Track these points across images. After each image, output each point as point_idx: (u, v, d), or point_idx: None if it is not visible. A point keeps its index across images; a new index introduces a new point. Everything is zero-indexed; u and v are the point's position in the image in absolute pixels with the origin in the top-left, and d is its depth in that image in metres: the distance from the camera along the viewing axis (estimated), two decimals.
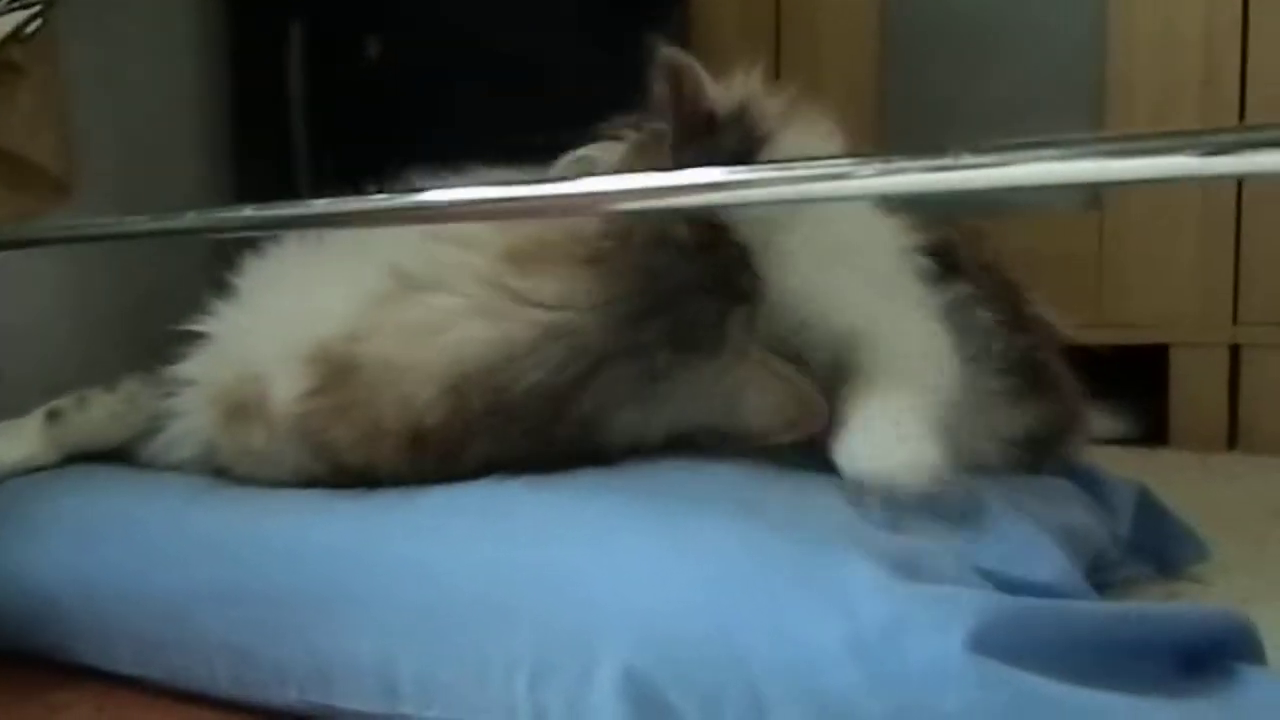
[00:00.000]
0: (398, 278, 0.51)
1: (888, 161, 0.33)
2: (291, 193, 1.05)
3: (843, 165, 0.34)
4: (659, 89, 0.60)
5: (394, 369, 0.48)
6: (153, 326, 0.58)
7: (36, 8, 0.84)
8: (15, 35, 0.85)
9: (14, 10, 0.82)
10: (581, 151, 0.54)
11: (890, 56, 1.32)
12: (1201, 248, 1.18)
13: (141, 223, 0.56)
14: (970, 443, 0.60)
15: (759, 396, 0.52)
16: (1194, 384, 1.18)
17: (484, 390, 0.48)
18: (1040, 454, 0.64)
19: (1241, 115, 1.17)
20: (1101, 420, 0.89)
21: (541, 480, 0.48)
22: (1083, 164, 0.31)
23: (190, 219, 0.52)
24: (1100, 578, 0.59)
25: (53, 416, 0.60)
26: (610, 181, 0.39)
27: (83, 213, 0.95)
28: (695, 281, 0.50)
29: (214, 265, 0.63)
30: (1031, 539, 0.49)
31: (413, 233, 0.53)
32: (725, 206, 0.49)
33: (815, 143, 0.60)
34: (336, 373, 0.49)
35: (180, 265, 1.02)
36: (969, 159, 0.32)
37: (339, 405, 0.48)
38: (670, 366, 0.49)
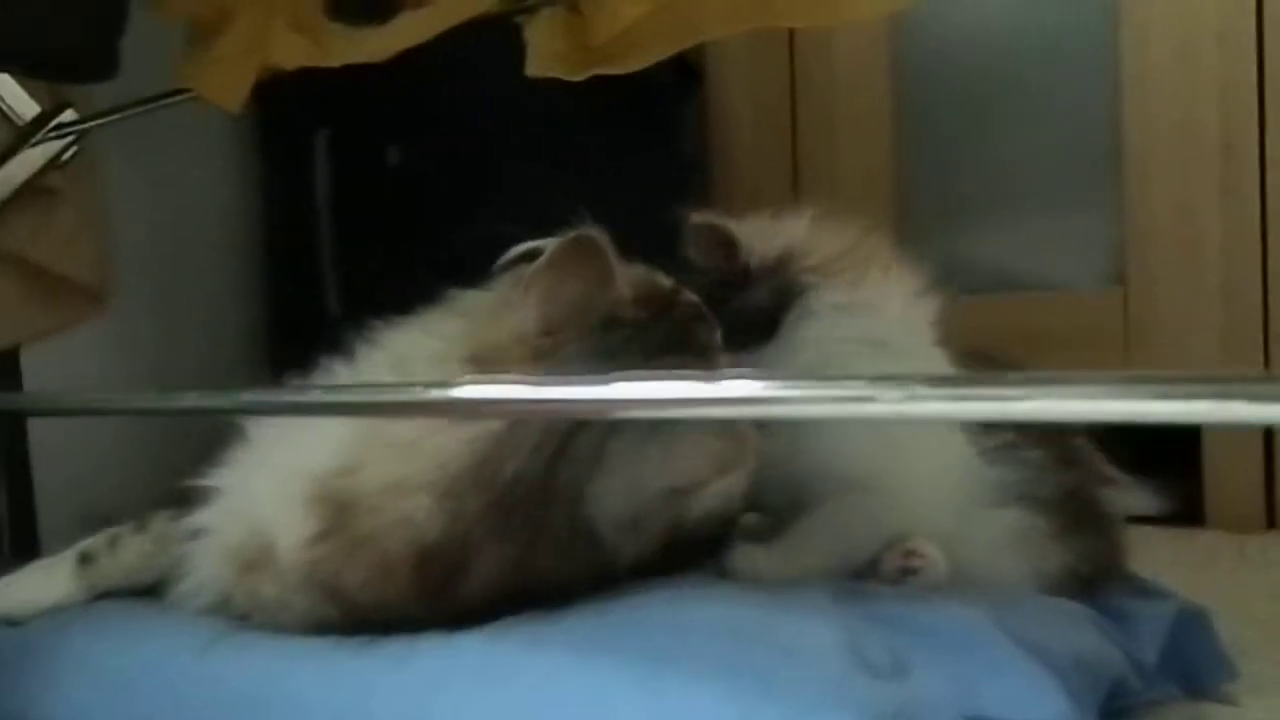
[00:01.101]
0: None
1: (910, 388, 0.33)
2: (318, 292, 1.08)
3: (867, 388, 0.34)
4: (693, 252, 0.64)
5: (389, 490, 0.49)
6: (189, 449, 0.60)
7: (72, 135, 0.88)
8: (53, 162, 0.88)
9: (51, 139, 0.86)
10: (529, 245, 0.56)
11: (906, 140, 1.33)
12: (1229, 322, 1.17)
13: (178, 400, 0.58)
14: (1003, 575, 0.61)
15: (692, 444, 0.53)
16: (1227, 462, 1.16)
17: (475, 488, 0.49)
18: (1082, 588, 0.64)
19: (1262, 174, 1.16)
20: (1135, 496, 0.88)
21: (539, 633, 0.49)
22: (1109, 404, 0.30)
23: (225, 399, 0.54)
24: (1120, 703, 0.58)
25: (85, 559, 0.62)
26: (617, 389, 0.39)
27: (119, 315, 0.99)
28: (648, 349, 0.52)
29: None
30: (1034, 678, 0.49)
31: (384, 363, 0.55)
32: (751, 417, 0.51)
33: (857, 296, 0.61)
34: (338, 512, 0.50)
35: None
36: (996, 389, 0.32)
37: (345, 545, 0.49)
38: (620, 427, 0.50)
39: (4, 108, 0.86)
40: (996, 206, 1.28)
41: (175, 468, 0.67)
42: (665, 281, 0.57)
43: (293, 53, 0.65)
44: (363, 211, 1.05)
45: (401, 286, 1.08)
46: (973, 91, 1.30)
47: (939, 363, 0.64)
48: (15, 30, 0.71)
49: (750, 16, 0.58)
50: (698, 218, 0.63)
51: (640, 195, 1.08)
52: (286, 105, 1.00)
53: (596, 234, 0.52)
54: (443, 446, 0.50)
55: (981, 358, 0.66)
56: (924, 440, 0.61)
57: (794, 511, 0.62)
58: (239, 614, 0.54)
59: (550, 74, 0.62)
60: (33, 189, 0.90)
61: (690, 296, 0.57)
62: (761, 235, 0.64)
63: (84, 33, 0.67)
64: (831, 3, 0.57)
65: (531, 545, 0.49)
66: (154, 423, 1.05)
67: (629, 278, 0.54)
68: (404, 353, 0.55)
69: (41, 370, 0.96)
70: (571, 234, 0.52)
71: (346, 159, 1.03)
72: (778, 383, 0.36)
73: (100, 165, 0.96)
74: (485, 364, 0.51)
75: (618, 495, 0.52)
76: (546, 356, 0.51)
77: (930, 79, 1.32)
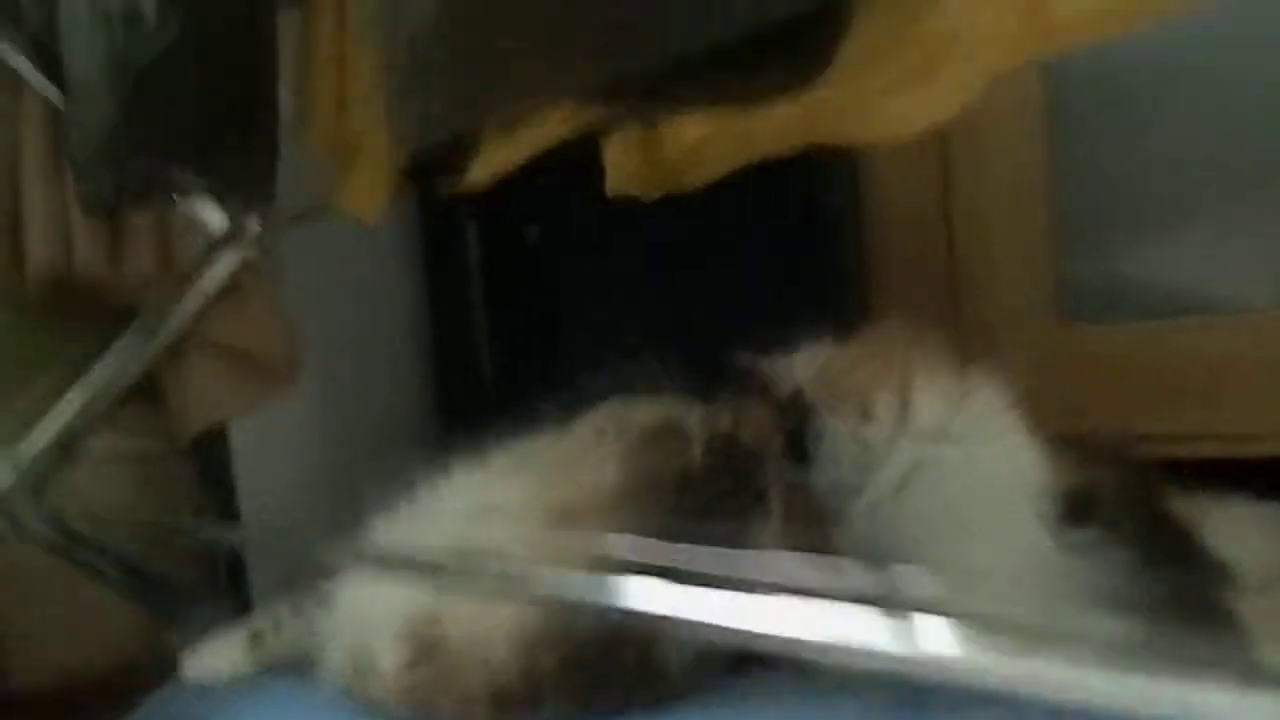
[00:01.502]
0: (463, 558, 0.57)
1: None
2: (475, 361, 1.18)
3: None
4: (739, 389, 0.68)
5: (473, 640, 0.55)
6: None
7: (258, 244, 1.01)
8: (242, 266, 1.02)
9: (231, 248, 0.99)
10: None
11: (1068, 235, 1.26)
12: None
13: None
14: None
15: None
16: None
17: (550, 647, 0.53)
18: None
19: None
20: None
21: None
22: None
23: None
24: None
25: (255, 639, 0.73)
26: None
27: (300, 397, 1.12)
28: (712, 498, 0.54)
29: None
30: None
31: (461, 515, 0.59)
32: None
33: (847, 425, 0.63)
34: (426, 648, 0.56)
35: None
36: None
37: (433, 677, 0.56)
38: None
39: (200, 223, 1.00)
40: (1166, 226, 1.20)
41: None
42: (725, 423, 0.60)
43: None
44: (509, 286, 1.15)
45: (547, 350, 1.16)
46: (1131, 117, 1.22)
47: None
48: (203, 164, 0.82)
49: (800, 134, 0.60)
50: (740, 356, 0.66)
51: (788, 291, 1.12)
52: (441, 202, 1.11)
53: (682, 407, 0.55)
54: (520, 608, 0.55)
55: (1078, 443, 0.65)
56: (991, 526, 0.61)
57: None
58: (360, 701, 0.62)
59: (627, 192, 0.67)
60: (226, 286, 1.04)
61: (747, 436, 0.60)
62: (789, 369, 0.66)
63: (249, 166, 0.78)
64: (880, 120, 0.58)
65: (601, 690, 0.53)
66: (351, 459, 1.18)
67: (700, 429, 0.57)
68: (486, 500, 0.60)
69: (247, 440, 1.11)
70: (661, 410, 0.55)
71: (493, 242, 1.13)
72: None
73: (282, 264, 1.10)
74: (564, 521, 0.56)
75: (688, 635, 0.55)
76: (624, 516, 0.54)
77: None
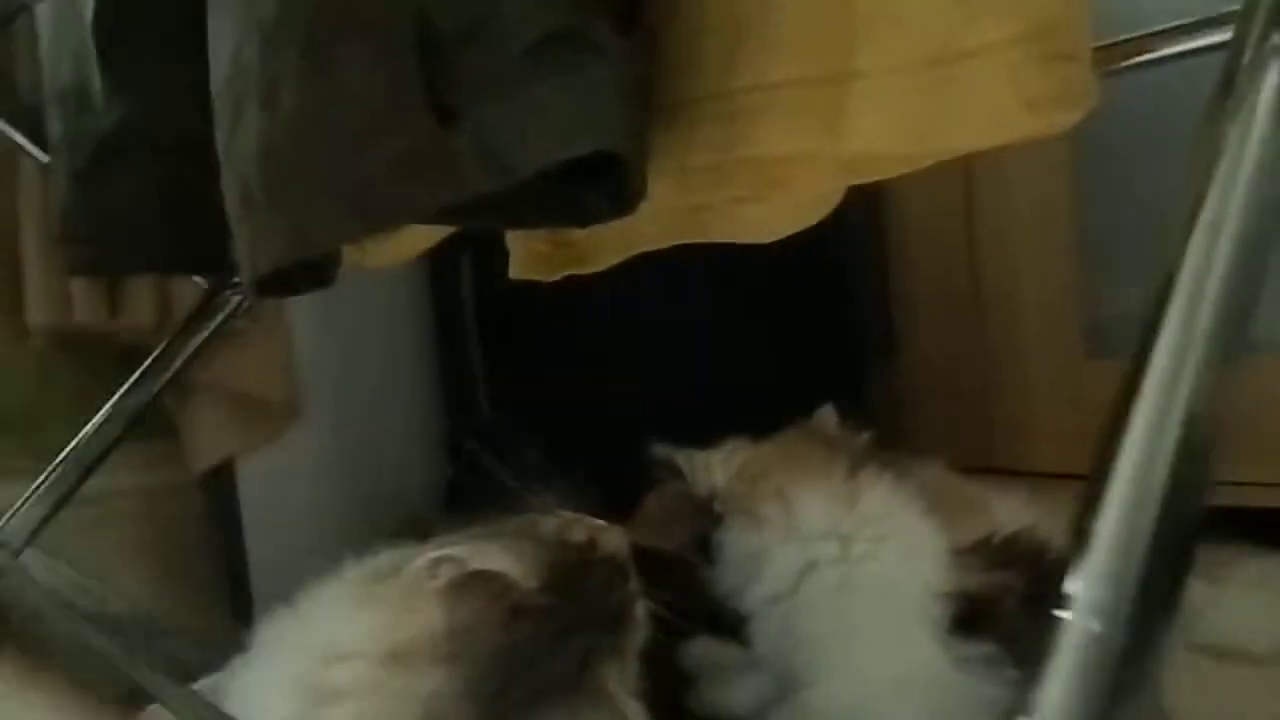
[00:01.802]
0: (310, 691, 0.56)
1: None
2: (473, 400, 1.19)
3: None
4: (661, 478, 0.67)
5: None
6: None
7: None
8: (236, 312, 1.05)
9: (226, 296, 1.03)
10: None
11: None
12: None
13: None
14: None
15: None
16: None
17: None
18: None
19: None
20: None
21: None
22: None
23: None
24: None
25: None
26: None
27: (308, 426, 1.16)
28: (560, 630, 0.53)
29: None
30: None
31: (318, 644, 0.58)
32: None
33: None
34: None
35: None
36: None
37: None
38: None
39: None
40: None
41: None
42: (579, 537, 0.59)
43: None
44: (504, 321, 1.16)
45: (539, 389, 1.16)
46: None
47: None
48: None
49: (677, 233, 0.59)
50: (658, 450, 0.66)
51: (806, 324, 1.09)
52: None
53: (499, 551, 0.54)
54: None
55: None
56: (880, 633, 0.59)
57: (757, 705, 0.63)
58: None
59: (529, 276, 0.66)
60: (225, 332, 1.08)
61: (609, 545, 0.59)
62: (707, 468, 0.66)
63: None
64: (744, 225, 0.56)
65: None
66: (355, 493, 1.22)
67: (537, 557, 0.56)
68: (327, 638, 0.58)
69: (252, 476, 1.15)
70: (469, 563, 0.55)
71: (485, 275, 1.14)
72: None
73: (284, 307, 1.13)
74: (400, 665, 0.54)
75: None
76: (455, 659, 0.53)
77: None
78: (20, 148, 0.94)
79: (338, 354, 1.24)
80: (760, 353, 1.14)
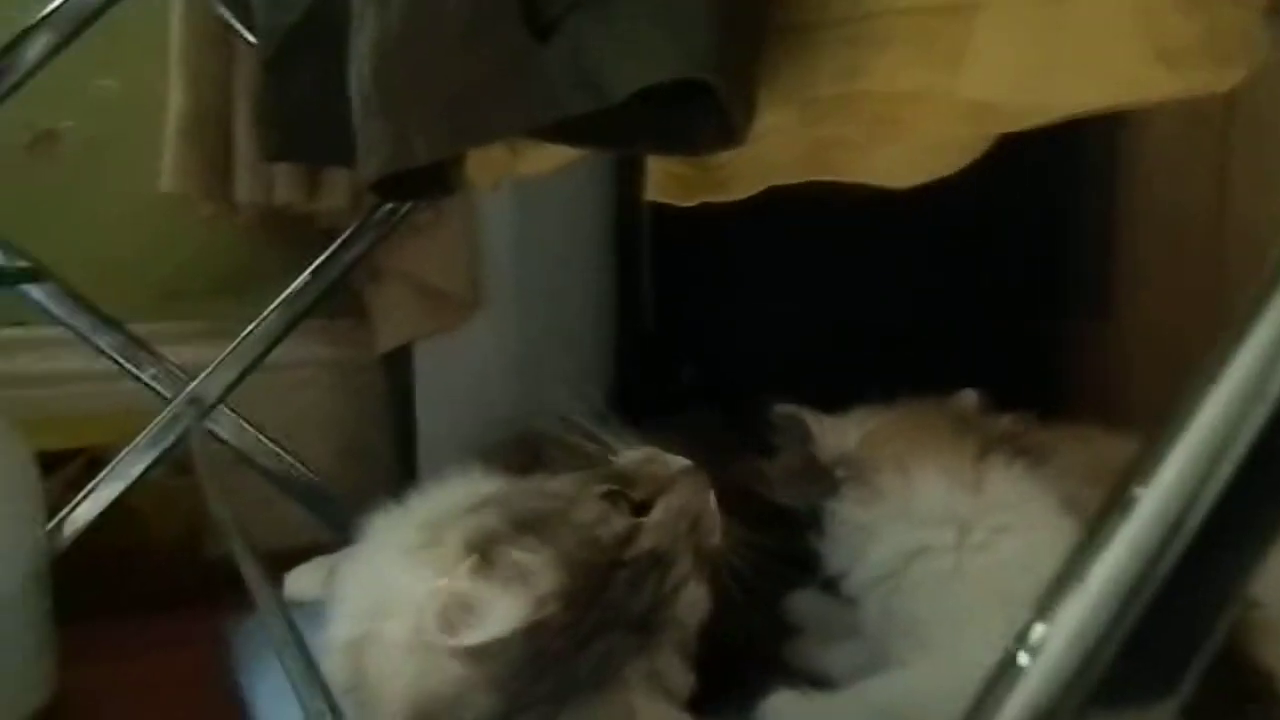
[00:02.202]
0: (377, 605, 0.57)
1: None
2: (641, 315, 1.18)
3: None
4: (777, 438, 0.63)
5: (379, 687, 0.56)
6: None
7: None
8: (418, 205, 1.08)
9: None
10: None
11: None
12: None
13: None
14: None
15: None
16: None
17: None
18: None
19: None
20: None
21: None
22: None
23: None
24: None
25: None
26: None
27: (485, 322, 1.19)
28: (576, 640, 0.52)
29: None
30: None
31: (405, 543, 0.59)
32: None
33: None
34: (356, 672, 0.58)
35: None
36: None
37: (361, 703, 0.58)
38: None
39: None
40: None
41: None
42: (610, 536, 0.56)
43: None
44: (677, 240, 1.13)
45: (709, 314, 1.14)
46: None
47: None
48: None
49: (806, 170, 0.53)
50: (782, 408, 0.62)
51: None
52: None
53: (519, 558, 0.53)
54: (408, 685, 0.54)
55: None
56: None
57: (852, 671, 0.59)
58: None
59: (665, 198, 0.63)
60: (415, 222, 1.11)
61: (644, 544, 0.56)
62: (836, 433, 0.61)
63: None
64: (875, 168, 0.50)
65: None
66: (520, 387, 1.25)
67: (567, 558, 0.54)
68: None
69: (428, 359, 1.20)
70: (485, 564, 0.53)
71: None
72: None
73: (472, 200, 1.15)
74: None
75: None
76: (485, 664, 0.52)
77: None
78: (236, 31, 1.00)
79: (519, 252, 1.25)
80: (949, 307, 1.06)
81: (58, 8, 0.92)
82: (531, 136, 0.51)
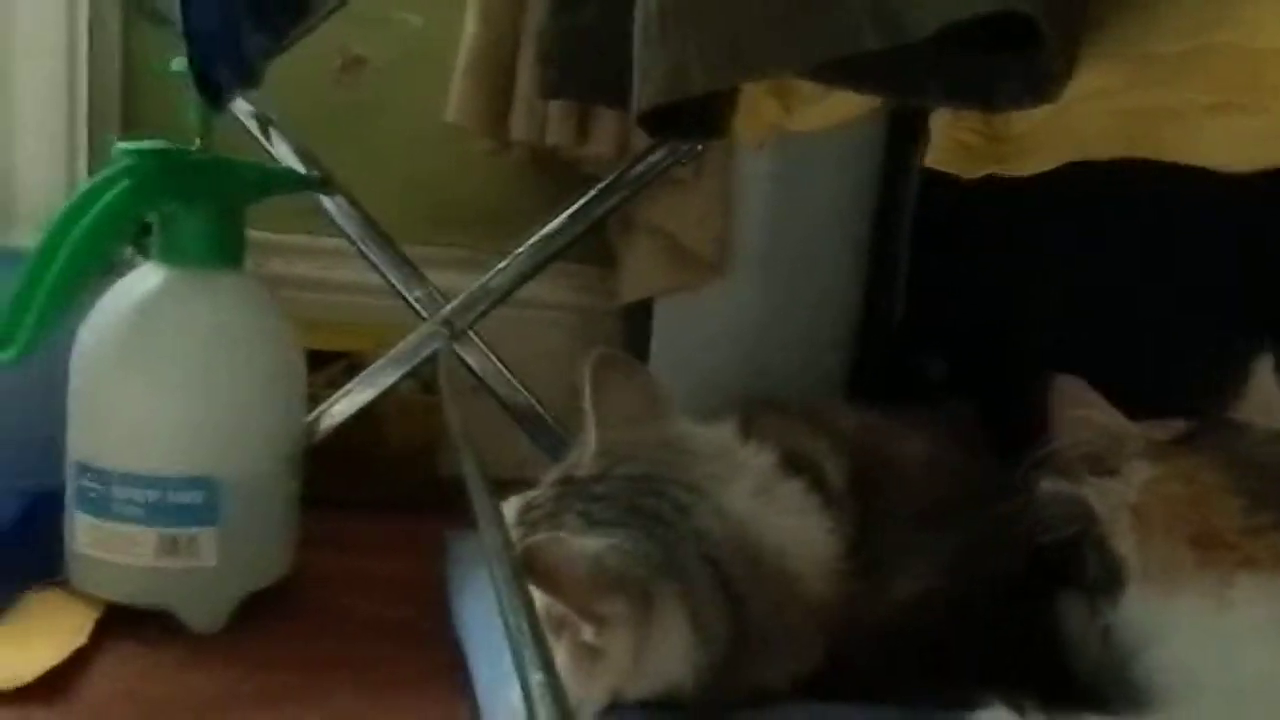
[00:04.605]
0: None
1: None
2: (890, 298, 1.13)
3: None
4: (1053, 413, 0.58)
5: None
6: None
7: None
8: (678, 160, 1.08)
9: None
10: None
11: None
12: None
13: None
14: None
15: None
16: None
17: None
18: None
19: None
20: None
21: None
22: None
23: None
24: None
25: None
26: None
27: (729, 288, 1.18)
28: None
29: None
30: None
31: None
32: None
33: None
34: None
35: None
36: None
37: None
38: None
39: None
40: None
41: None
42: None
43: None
44: (938, 229, 1.07)
45: (959, 308, 1.08)
46: None
47: None
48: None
49: (1123, 144, 0.47)
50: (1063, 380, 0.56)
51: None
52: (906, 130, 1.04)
53: None
54: None
55: None
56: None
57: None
58: None
59: (947, 167, 0.59)
60: (668, 177, 1.11)
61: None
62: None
63: None
64: (1207, 144, 0.43)
65: None
66: (757, 355, 1.23)
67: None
68: None
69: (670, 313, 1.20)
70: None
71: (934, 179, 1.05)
72: None
73: (732, 162, 1.14)
74: None
75: None
76: None
77: None
78: None
79: (774, 221, 1.22)
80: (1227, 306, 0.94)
81: None
82: (815, 78, 0.49)
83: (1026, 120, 0.54)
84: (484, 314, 1.05)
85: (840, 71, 0.44)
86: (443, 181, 1.24)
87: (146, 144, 0.80)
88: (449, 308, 1.03)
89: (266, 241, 1.15)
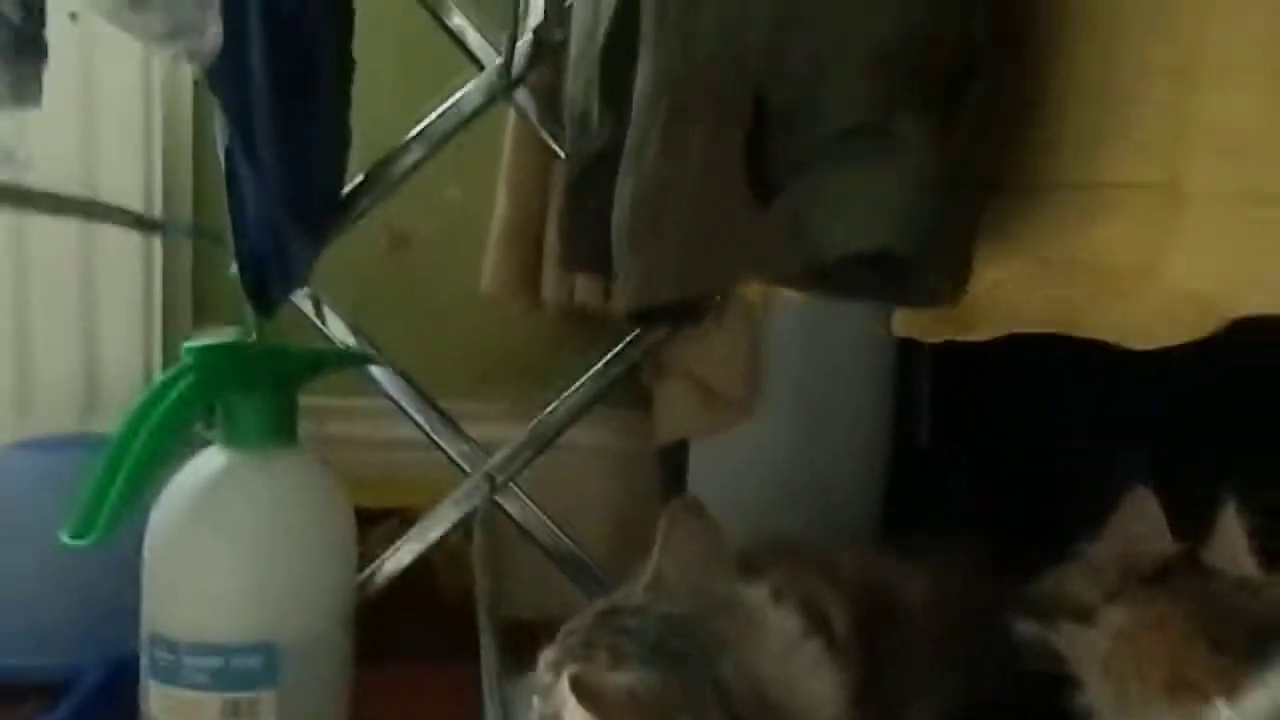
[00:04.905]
0: None
1: None
2: (915, 430, 1.17)
3: None
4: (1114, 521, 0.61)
5: None
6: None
7: None
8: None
9: None
10: None
11: None
12: None
13: None
14: None
15: None
16: None
17: None
18: None
19: None
20: None
21: None
22: None
23: None
24: None
25: None
26: None
27: (760, 425, 1.23)
28: None
29: None
30: None
31: None
32: None
33: None
34: None
35: None
36: None
37: None
38: None
39: None
40: None
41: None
42: None
43: None
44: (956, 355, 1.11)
45: (984, 439, 1.11)
46: None
47: None
48: None
49: (1058, 323, 0.53)
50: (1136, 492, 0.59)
51: None
52: None
53: None
54: None
55: None
56: None
57: None
58: None
59: (911, 334, 0.64)
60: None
61: None
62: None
63: None
64: (1122, 328, 0.48)
65: None
66: (789, 491, 1.27)
67: None
68: None
69: (704, 453, 1.26)
70: None
71: None
72: None
73: (752, 311, 1.21)
74: None
75: None
76: None
77: None
78: (555, 153, 1.12)
79: (802, 357, 1.28)
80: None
81: (424, 128, 1.09)
82: (762, 283, 0.55)
83: (969, 297, 0.59)
84: (525, 465, 1.12)
85: (783, 280, 0.51)
86: (485, 341, 1.33)
87: (210, 340, 0.89)
88: (490, 462, 1.10)
89: (323, 406, 1.24)
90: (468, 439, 1.11)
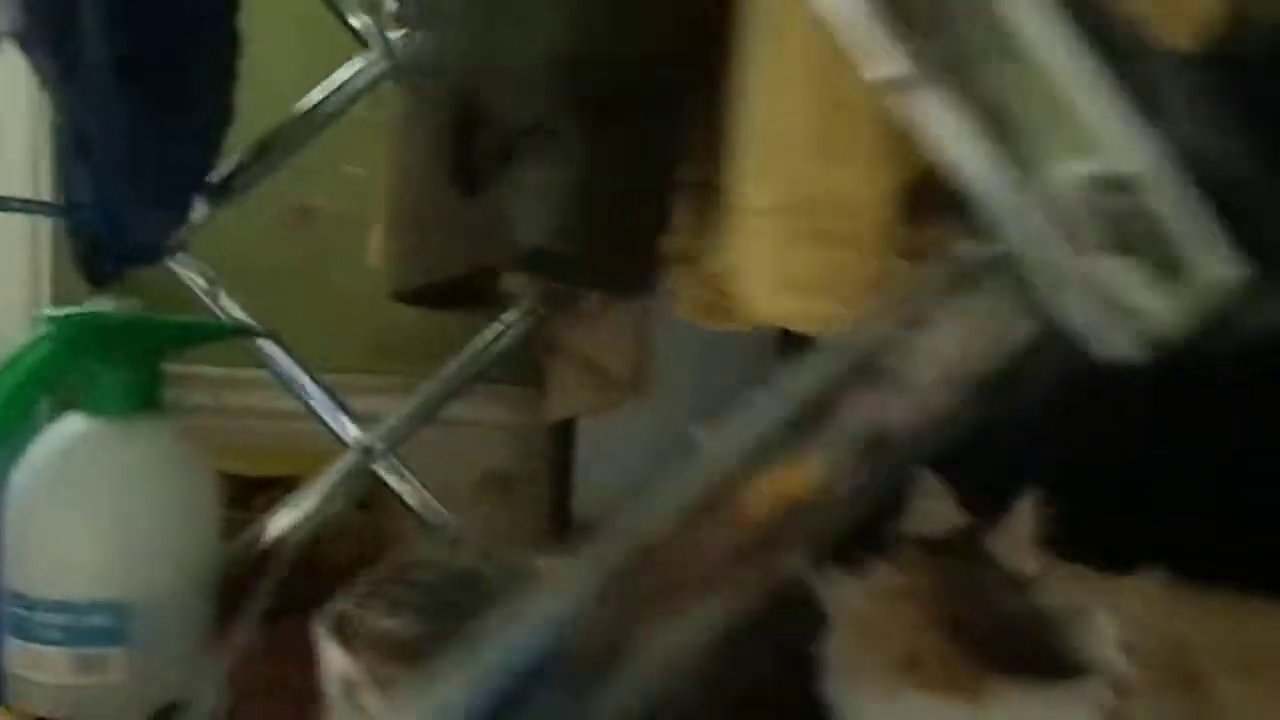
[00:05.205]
0: None
1: None
2: None
3: None
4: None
5: None
6: None
7: None
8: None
9: None
10: None
11: None
12: None
13: None
14: None
15: None
16: None
17: None
18: None
19: None
20: None
21: None
22: None
23: None
24: None
25: None
26: None
27: (655, 406, 1.25)
28: None
29: None
30: None
31: None
32: None
33: None
34: None
35: None
36: None
37: None
38: None
39: None
40: None
41: None
42: None
43: None
44: None
45: None
46: None
47: None
48: None
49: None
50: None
51: None
52: None
53: None
54: None
55: None
56: None
57: None
58: None
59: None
60: (582, 306, 1.20)
61: None
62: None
63: None
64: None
65: None
66: None
67: None
68: None
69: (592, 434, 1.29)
70: None
71: None
72: None
73: None
74: None
75: None
76: None
77: None
78: None
79: (693, 340, 1.30)
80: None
81: (315, 106, 1.11)
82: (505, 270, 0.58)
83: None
84: (404, 439, 1.15)
85: (513, 265, 0.53)
86: (384, 315, 1.36)
87: (69, 309, 0.92)
88: (368, 434, 1.13)
89: (223, 376, 1.27)
90: (347, 411, 1.14)
